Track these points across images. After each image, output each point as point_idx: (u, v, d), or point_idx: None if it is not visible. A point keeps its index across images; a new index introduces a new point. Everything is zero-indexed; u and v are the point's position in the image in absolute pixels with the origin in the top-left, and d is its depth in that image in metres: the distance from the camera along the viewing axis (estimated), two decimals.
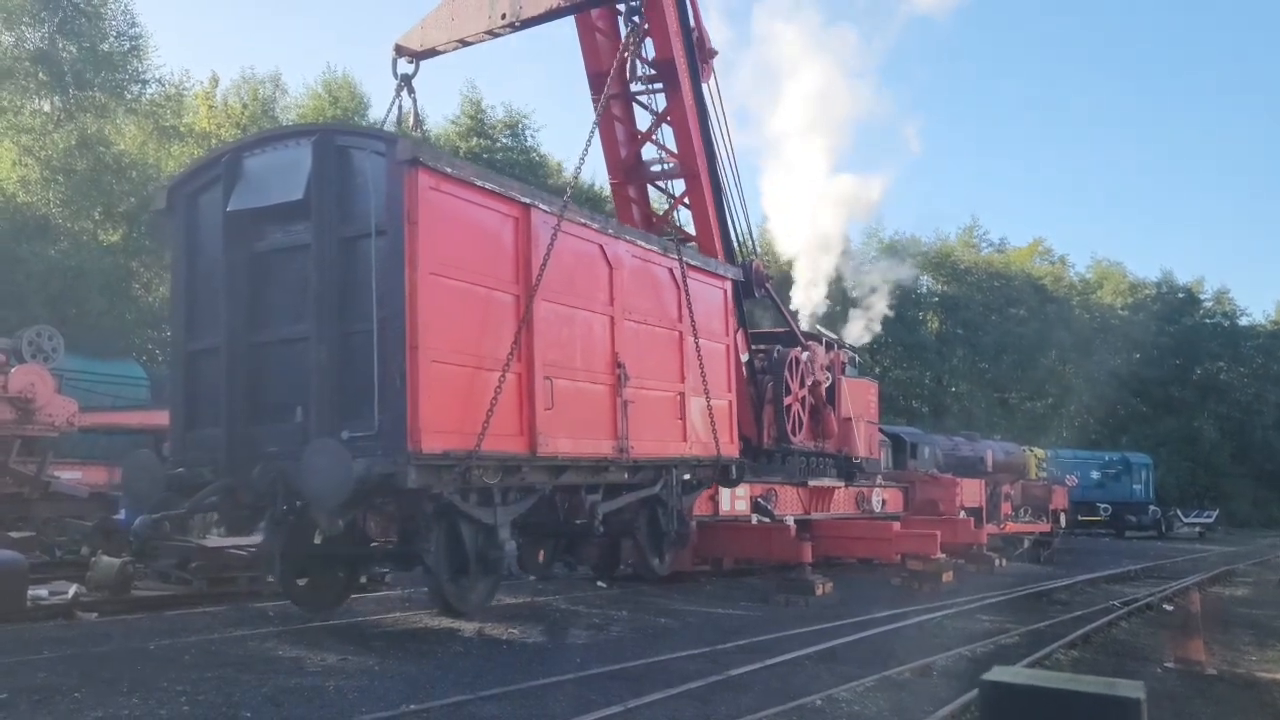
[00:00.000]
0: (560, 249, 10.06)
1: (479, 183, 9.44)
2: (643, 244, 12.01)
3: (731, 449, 13.36)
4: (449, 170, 9.10)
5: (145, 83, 34.89)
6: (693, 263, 12.77)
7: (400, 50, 14.01)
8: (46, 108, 32.38)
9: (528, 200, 10.00)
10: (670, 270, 12.36)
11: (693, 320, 12.29)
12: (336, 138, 9.32)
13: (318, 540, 10.10)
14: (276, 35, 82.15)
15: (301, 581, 10.49)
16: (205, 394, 9.76)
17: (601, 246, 11.16)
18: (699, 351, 12.22)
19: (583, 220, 10.96)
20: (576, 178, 12.14)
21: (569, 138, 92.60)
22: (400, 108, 13.75)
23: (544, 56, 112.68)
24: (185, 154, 34.13)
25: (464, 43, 14.08)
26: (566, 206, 10.44)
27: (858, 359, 21.68)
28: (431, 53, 14.13)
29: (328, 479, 8.23)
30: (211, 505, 9.78)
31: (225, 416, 9.44)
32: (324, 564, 10.61)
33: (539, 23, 13.69)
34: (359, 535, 10.38)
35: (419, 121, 14.05)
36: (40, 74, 31.47)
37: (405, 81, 13.80)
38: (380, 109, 41.12)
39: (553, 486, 10.52)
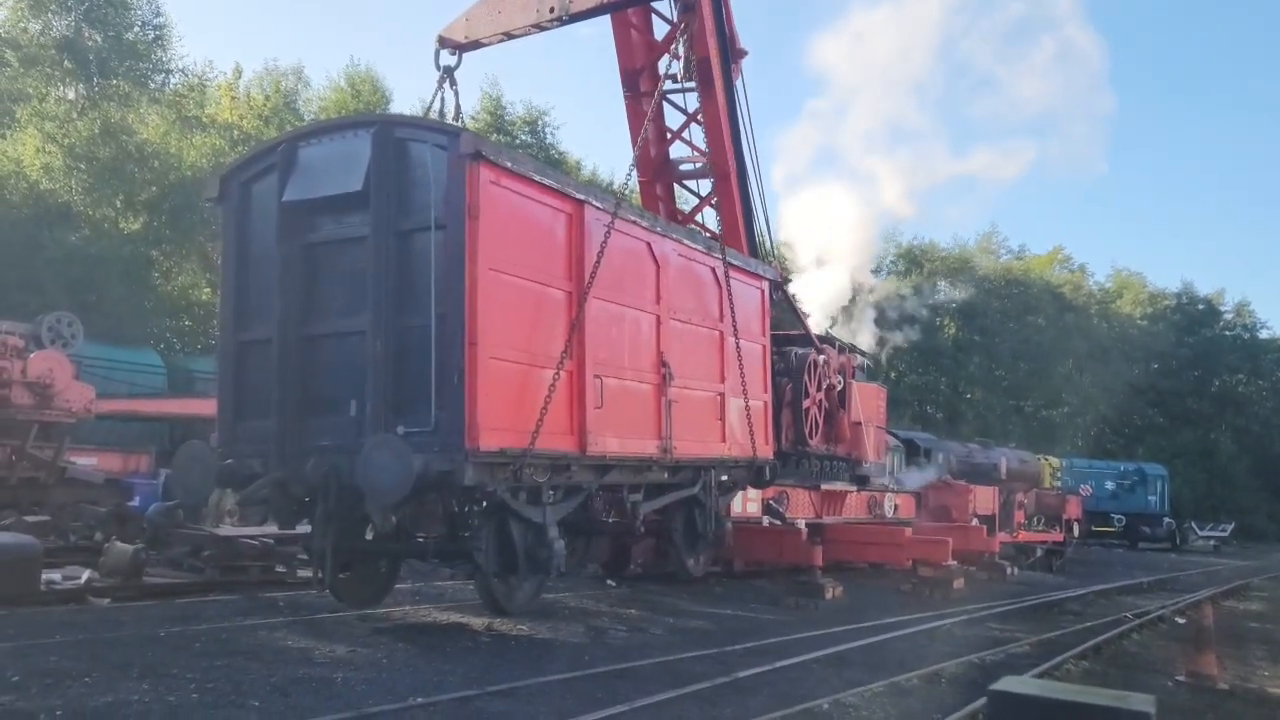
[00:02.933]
0: (610, 246, 10.03)
1: (537, 178, 9.41)
2: (688, 243, 12.00)
3: (766, 450, 13.34)
4: (509, 165, 9.06)
5: (169, 72, 35.14)
6: (734, 262, 12.74)
7: (443, 42, 13.93)
8: (71, 95, 32.60)
9: (582, 197, 10.00)
10: (713, 270, 12.35)
11: (733, 320, 12.26)
12: (395, 129, 9.24)
13: (369, 535, 10.06)
14: (300, 28, 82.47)
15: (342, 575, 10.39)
16: (255, 385, 9.68)
17: (649, 245, 11.15)
18: (739, 352, 12.19)
19: (633, 218, 10.92)
20: (629, 175, 12.13)
21: (584, 136, 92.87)
22: (442, 100, 13.69)
23: (562, 54, 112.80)
24: (207, 144, 34.32)
25: (509, 36, 13.99)
26: (620, 204, 10.41)
27: (867, 364, 21.62)
28: (475, 45, 14.05)
29: (390, 475, 8.18)
30: (262, 498, 9.69)
31: (276, 409, 9.33)
32: (367, 558, 10.54)
33: (586, 17, 13.71)
34: (402, 530, 10.32)
35: (460, 114, 14.01)
36: (65, 62, 31.69)
37: (448, 74, 13.71)
38: (402, 103, 41.34)
39: (597, 486, 10.47)
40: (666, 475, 11.41)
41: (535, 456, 9.07)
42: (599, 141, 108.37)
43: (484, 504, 9.49)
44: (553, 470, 9.55)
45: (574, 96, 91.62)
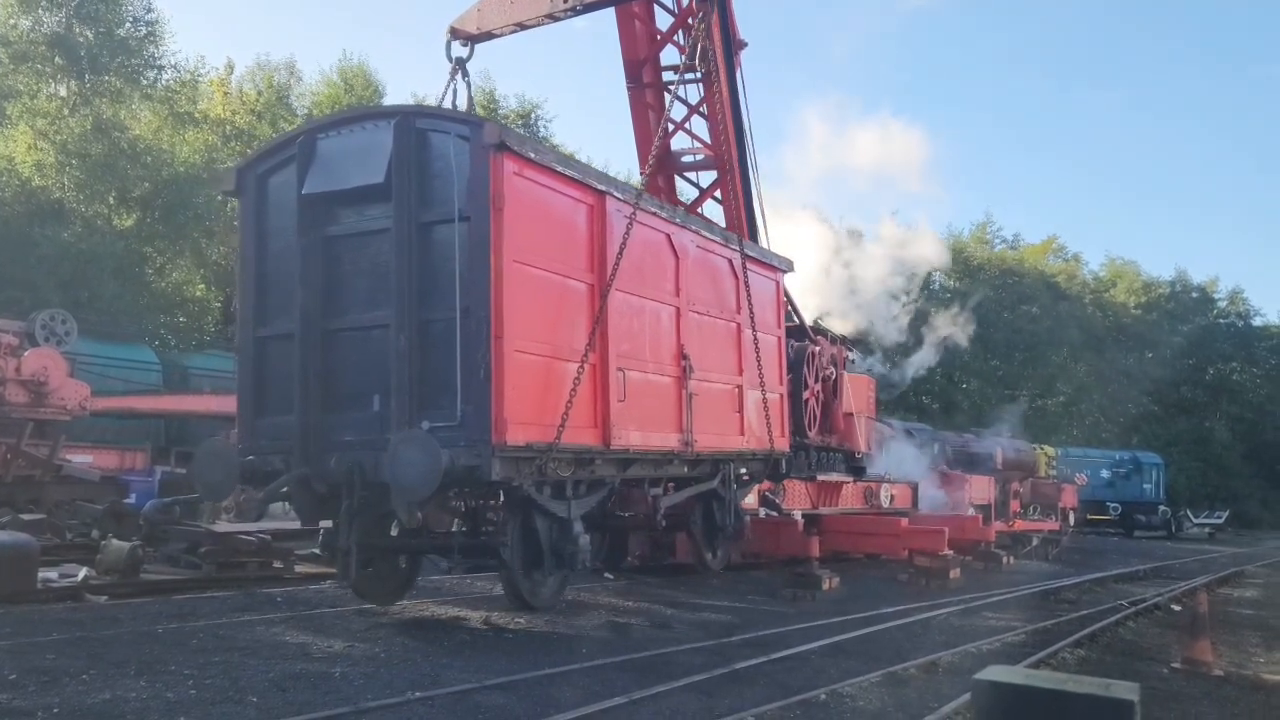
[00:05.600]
0: (632, 238, 9.97)
1: (560, 169, 9.34)
2: (706, 234, 11.95)
3: (783, 443, 13.31)
4: (532, 155, 8.98)
5: (161, 68, 35.02)
6: (750, 254, 12.71)
7: (455, 33, 13.82)
8: (62, 92, 32.48)
9: (603, 188, 9.93)
10: (730, 261, 12.32)
11: (751, 312, 12.22)
12: (417, 120, 9.12)
13: (394, 532, 10.00)
14: (292, 22, 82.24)
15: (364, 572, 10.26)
16: (275, 381, 9.52)
17: (669, 236, 11.09)
18: (756, 344, 12.18)
19: (653, 209, 10.85)
20: (651, 164, 12.06)
21: (574, 128, 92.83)
22: (455, 91, 13.57)
23: (553, 46, 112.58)
24: (200, 140, 34.31)
25: (522, 26, 13.87)
26: (641, 195, 10.36)
27: (856, 356, 21.64)
28: (488, 36, 13.94)
29: (417, 470, 8.08)
30: (284, 496, 9.53)
31: (299, 404, 9.18)
32: (388, 554, 10.43)
33: (599, 8, 13.70)
34: (423, 526, 10.18)
35: (472, 105, 13.93)
36: (57, 58, 31.58)
37: (460, 65, 13.58)
38: (394, 97, 41.25)
39: (619, 480, 10.42)
40: (686, 469, 11.38)
41: (561, 451, 9.00)
42: (590, 133, 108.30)
43: (503, 499, 9.44)
44: (576, 464, 9.49)
45: (564, 89, 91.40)
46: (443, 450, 8.09)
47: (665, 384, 10.85)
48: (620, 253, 9.80)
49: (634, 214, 10.06)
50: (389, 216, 8.97)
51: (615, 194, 10.05)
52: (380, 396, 8.92)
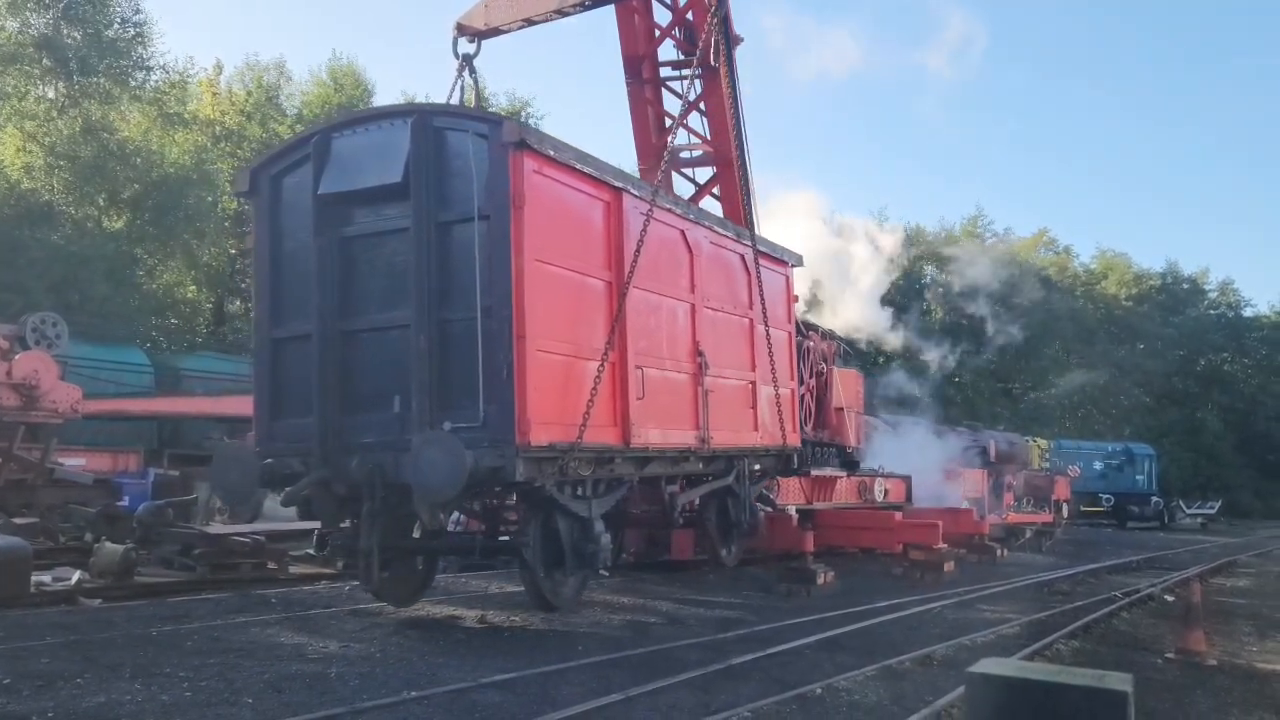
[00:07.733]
0: (648, 235, 9.92)
1: (578, 166, 9.28)
2: (719, 230, 11.92)
3: (795, 438, 13.28)
4: (551, 153, 8.91)
5: (149, 69, 34.84)
6: (761, 249, 12.68)
7: (462, 29, 13.70)
8: (51, 94, 32.35)
9: (620, 184, 9.87)
10: (741, 256, 12.30)
11: (763, 307, 12.21)
12: (434, 118, 9.01)
13: (416, 534, 9.96)
14: (281, 21, 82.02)
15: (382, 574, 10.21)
16: (292, 383, 9.41)
17: (683, 232, 11.05)
18: (768, 339, 12.17)
19: (668, 205, 10.82)
20: (667, 160, 12.04)
21: (569, 126, 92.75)
22: (462, 88, 13.46)
23: (539, 44, 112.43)
24: (189, 141, 34.19)
25: (530, 22, 13.77)
26: (658, 192, 10.32)
27: (848, 350, 21.67)
28: (495, 32, 13.81)
29: (442, 472, 7.98)
30: (305, 498, 9.42)
31: (318, 406, 9.07)
32: (406, 556, 10.34)
33: (604, 3, 13.62)
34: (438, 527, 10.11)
35: (479, 102, 13.85)
36: (45, 60, 31.43)
37: (467, 62, 13.46)
38: (384, 96, 41.20)
39: (637, 478, 10.37)
40: (702, 465, 11.37)
41: (583, 450, 8.94)
42: (580, 131, 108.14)
43: (523, 499, 9.40)
44: (597, 463, 9.45)
45: (553, 86, 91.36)
46: (466, 451, 8.00)
47: (682, 381, 10.81)
48: (638, 250, 9.74)
49: (650, 210, 10.01)
50: (407, 216, 8.86)
51: (632, 191, 10.01)
52: (400, 397, 8.81)
